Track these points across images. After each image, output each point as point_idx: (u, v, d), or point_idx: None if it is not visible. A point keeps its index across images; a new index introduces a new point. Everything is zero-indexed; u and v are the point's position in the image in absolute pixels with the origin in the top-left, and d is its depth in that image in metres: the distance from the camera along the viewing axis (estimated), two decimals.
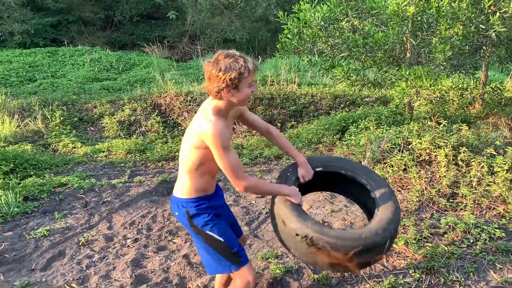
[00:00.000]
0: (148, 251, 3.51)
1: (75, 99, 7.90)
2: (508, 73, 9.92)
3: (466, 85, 5.67)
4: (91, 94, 8.84)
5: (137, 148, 6.18)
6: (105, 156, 6.03)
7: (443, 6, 4.57)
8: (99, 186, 4.83)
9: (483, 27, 4.76)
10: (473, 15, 4.66)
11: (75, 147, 6.30)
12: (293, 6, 5.37)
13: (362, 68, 5.41)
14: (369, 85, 5.81)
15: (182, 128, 7.35)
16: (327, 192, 4.26)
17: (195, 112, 7.47)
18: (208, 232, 2.21)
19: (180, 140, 6.73)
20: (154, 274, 3.15)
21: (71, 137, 6.58)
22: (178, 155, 5.83)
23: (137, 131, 7.11)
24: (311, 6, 5.15)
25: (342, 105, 7.61)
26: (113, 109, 7.56)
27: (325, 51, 5.50)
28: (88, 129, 7.21)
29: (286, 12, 5.32)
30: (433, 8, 4.59)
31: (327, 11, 5.00)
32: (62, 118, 7.07)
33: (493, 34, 4.80)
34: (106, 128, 7.17)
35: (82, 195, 4.59)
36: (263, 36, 17.31)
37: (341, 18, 5.28)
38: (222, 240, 2.21)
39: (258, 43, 16.81)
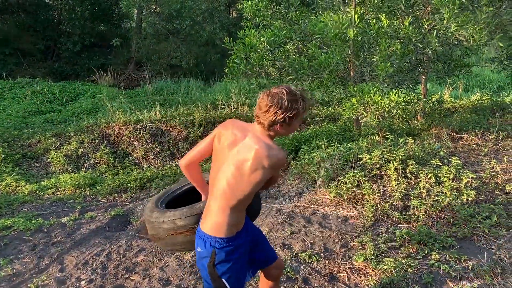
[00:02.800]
0: None
1: (17, 135, 7.53)
2: (445, 85, 10.51)
3: (410, 99, 5.96)
4: (34, 128, 8.46)
5: (87, 182, 5.94)
6: (53, 193, 5.75)
7: (382, 28, 4.80)
8: (47, 226, 4.57)
9: (421, 45, 5.04)
10: (413, 34, 4.93)
11: (19, 186, 5.95)
12: (238, 31, 5.45)
13: (310, 89, 5.54)
14: (317, 104, 5.96)
15: (133, 158, 7.17)
16: (285, 214, 4.27)
17: (146, 141, 7.33)
18: (223, 280, 2.09)
19: (132, 171, 6.56)
20: None
21: (14, 175, 6.23)
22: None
23: (85, 164, 6.85)
24: (256, 31, 5.25)
25: None
26: (58, 143, 7.26)
27: (273, 73, 5.60)
28: (33, 165, 6.86)
29: (231, 38, 5.38)
30: (374, 30, 4.80)
31: (271, 35, 5.11)
32: (3, 155, 6.69)
33: (430, 52, 5.10)
34: (52, 163, 6.85)
35: (30, 237, 4.32)
36: (211, 59, 17.36)
37: (286, 42, 5.41)
38: None
39: (206, 66, 16.84)
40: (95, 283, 3.47)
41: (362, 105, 4.68)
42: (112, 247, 4.04)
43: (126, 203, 5.25)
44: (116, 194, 5.57)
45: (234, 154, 2.01)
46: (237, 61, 5.31)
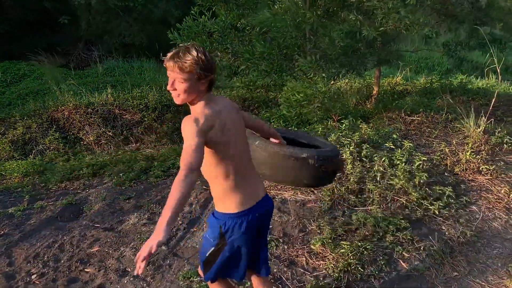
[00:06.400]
0: (57, 285, 3.23)
1: None
2: (398, 67, 10.76)
3: (358, 84, 6.09)
4: None
5: (35, 169, 5.66)
6: None
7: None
8: None
9: (364, 33, 5.11)
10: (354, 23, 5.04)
11: None
12: (193, 9, 5.33)
13: (259, 77, 5.52)
14: (267, 88, 6.01)
15: (84, 143, 6.90)
16: None
17: (98, 125, 7.05)
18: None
19: (83, 156, 6.30)
20: None
21: None
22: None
23: (33, 151, 6.53)
24: (204, 17, 5.22)
25: (251, 108, 7.68)
26: (3, 128, 6.85)
27: (225, 58, 5.54)
28: None
29: (187, 17, 5.28)
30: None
31: (220, 20, 5.09)
32: None
33: (371, 36, 5.18)
34: None
35: None
36: (167, 39, 16.83)
37: (236, 28, 5.39)
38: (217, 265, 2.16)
39: (160, 46, 16.34)
40: (47, 276, 3.34)
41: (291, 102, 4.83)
42: (65, 238, 3.89)
43: (79, 191, 5.05)
44: (67, 182, 5.34)
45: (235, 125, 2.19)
46: None
